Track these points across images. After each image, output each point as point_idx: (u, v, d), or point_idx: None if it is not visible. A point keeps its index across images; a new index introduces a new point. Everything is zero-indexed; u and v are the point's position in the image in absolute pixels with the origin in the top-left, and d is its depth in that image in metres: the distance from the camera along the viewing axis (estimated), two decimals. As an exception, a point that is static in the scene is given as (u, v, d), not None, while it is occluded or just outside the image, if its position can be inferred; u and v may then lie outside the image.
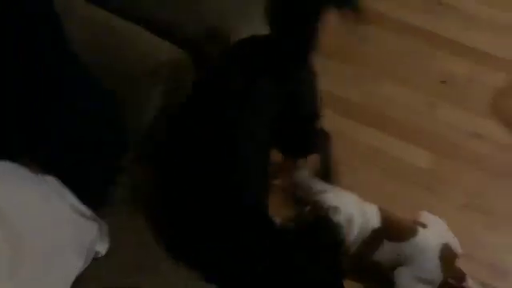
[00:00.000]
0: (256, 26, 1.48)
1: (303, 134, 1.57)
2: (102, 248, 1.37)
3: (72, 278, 1.29)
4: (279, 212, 1.58)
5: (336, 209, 1.56)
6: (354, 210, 1.61)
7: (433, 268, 1.61)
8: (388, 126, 2.09)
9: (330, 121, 2.06)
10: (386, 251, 1.63)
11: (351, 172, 1.94)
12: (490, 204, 1.92)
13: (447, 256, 1.64)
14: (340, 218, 1.55)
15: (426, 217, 1.74)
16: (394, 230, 1.64)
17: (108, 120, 1.37)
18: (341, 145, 2.00)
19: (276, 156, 1.66)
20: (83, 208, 1.31)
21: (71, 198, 1.28)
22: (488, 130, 2.09)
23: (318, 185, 1.72)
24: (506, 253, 1.82)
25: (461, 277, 1.67)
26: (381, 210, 1.67)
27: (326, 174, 1.80)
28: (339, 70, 2.21)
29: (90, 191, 1.37)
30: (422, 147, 2.04)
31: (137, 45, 1.50)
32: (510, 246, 1.83)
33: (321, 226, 1.42)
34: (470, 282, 1.67)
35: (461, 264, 1.75)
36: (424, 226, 1.68)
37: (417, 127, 2.10)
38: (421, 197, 1.92)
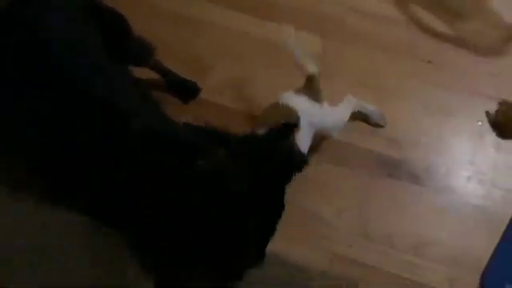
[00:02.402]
0: None
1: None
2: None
3: None
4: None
5: None
6: None
7: None
8: (271, 13, 2.05)
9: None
10: None
11: (241, 66, 1.92)
12: (378, 78, 1.96)
13: None
14: None
15: None
16: None
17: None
18: (225, 38, 1.97)
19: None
20: None
21: None
22: (369, 4, 2.11)
23: None
24: (396, 125, 1.88)
25: None
26: None
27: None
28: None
29: None
30: (310, 30, 2.01)
31: None
32: (400, 116, 1.89)
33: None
34: None
35: (358, 139, 1.82)
36: None
37: (301, 11, 2.06)
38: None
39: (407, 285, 1.62)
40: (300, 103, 1.49)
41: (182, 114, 1.64)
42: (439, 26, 2.08)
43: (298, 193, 1.70)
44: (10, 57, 1.11)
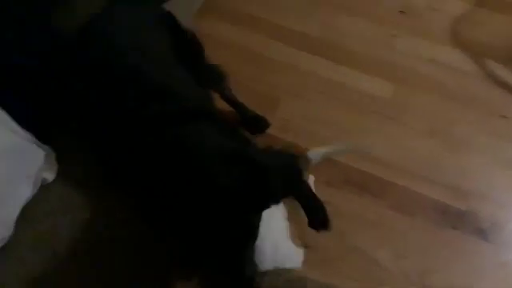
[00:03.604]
0: None
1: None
2: (50, 175, 1.34)
3: (21, 205, 1.27)
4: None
5: None
6: None
7: None
8: (346, 59, 2.07)
9: (287, 55, 2.07)
10: None
11: (311, 105, 1.95)
12: (450, 128, 1.92)
13: None
14: None
15: None
16: None
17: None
18: (298, 78, 2.02)
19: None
20: (26, 134, 1.27)
21: (10, 123, 1.25)
22: (446, 56, 2.08)
23: None
24: (464, 175, 1.82)
25: None
26: None
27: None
28: (296, 3, 2.20)
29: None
30: (382, 77, 2.03)
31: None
32: (468, 167, 1.84)
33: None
34: None
35: (425, 188, 1.78)
36: None
37: (376, 58, 2.08)
38: (382, 125, 1.92)
39: None
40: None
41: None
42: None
43: (358, 234, 1.69)
44: (89, 67, 1.24)
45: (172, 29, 1.43)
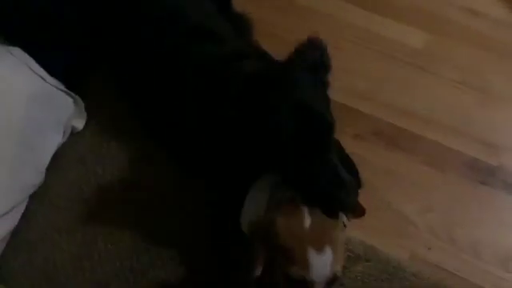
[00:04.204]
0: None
1: None
2: (79, 123, 1.34)
3: (51, 152, 1.28)
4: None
5: None
6: None
7: None
8: (381, 7, 1.99)
9: (319, 3, 2.00)
10: None
11: (343, 54, 1.89)
12: (484, 81, 1.86)
13: None
14: None
15: None
16: None
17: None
18: (331, 27, 1.95)
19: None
20: (54, 81, 1.26)
21: (40, 70, 1.24)
22: (484, 6, 1.99)
23: None
24: (496, 129, 1.77)
25: None
26: None
27: None
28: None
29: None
30: (416, 26, 1.95)
31: None
32: (501, 122, 1.79)
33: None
34: None
35: (455, 142, 1.74)
36: None
37: (410, 6, 1.99)
38: (414, 76, 1.86)
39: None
40: None
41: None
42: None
43: (385, 187, 1.67)
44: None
45: None
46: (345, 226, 1.47)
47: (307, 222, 0.99)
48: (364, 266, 1.41)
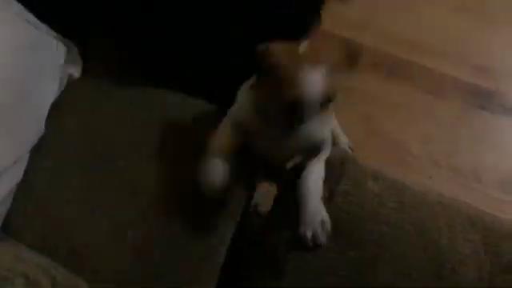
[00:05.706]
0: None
1: None
2: (75, 71, 1.29)
3: (50, 101, 1.23)
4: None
5: None
6: None
7: None
8: None
9: None
10: None
11: None
12: (482, 5, 1.82)
13: None
14: None
15: None
16: None
17: None
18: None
19: None
20: (44, 26, 1.20)
21: (28, 15, 1.16)
22: None
23: None
24: (496, 54, 1.77)
25: None
26: None
27: None
28: None
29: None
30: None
31: None
32: (500, 46, 1.78)
33: None
34: None
35: (454, 68, 1.72)
36: None
37: None
38: (412, 4, 1.82)
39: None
40: None
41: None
42: None
43: (385, 118, 1.67)
44: None
45: None
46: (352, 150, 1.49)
47: (302, 47, 0.99)
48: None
